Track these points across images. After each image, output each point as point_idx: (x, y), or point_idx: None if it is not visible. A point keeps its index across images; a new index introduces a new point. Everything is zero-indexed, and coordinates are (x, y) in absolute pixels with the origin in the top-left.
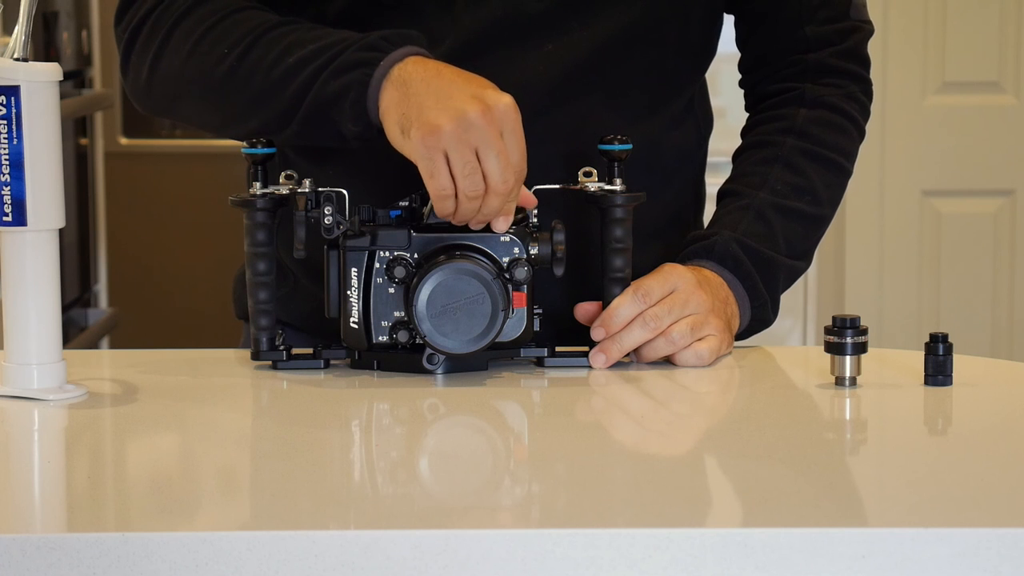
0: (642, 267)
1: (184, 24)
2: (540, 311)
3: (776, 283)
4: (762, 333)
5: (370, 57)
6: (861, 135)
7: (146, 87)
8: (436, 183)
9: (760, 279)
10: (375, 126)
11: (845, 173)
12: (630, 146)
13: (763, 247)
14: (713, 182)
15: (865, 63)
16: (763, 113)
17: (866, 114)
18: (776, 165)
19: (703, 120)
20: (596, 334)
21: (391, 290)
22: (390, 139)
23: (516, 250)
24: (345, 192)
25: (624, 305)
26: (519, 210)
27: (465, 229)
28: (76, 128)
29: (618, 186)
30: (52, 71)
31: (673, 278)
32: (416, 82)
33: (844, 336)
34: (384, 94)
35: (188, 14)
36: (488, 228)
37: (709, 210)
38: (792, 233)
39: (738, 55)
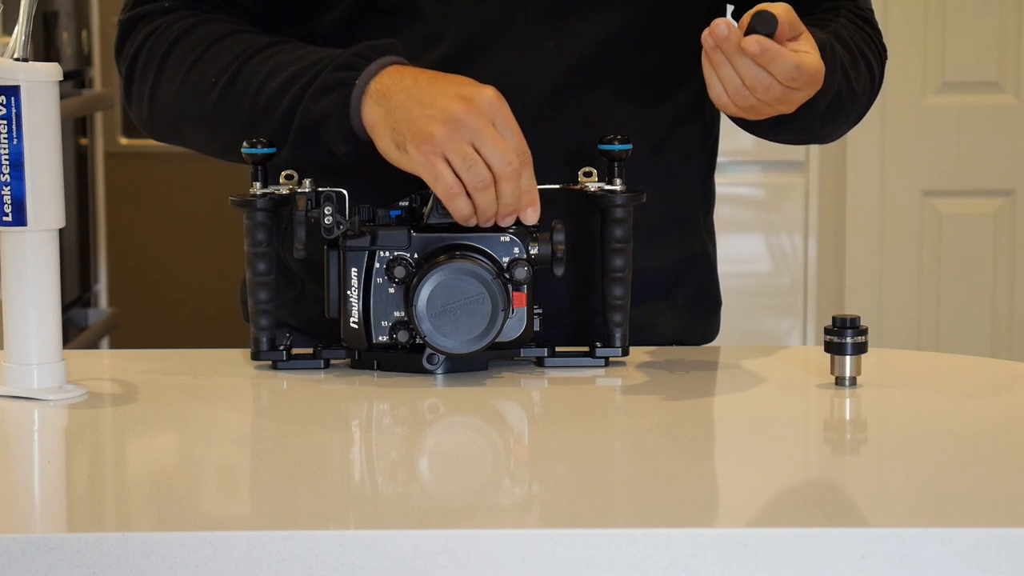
0: (650, 268)
1: (174, 54)
2: (540, 311)
3: (809, 108)
4: (762, 333)
5: (345, 77)
6: (881, 77)
7: (148, 117)
8: (442, 185)
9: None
10: (365, 143)
11: (873, 85)
12: (630, 146)
13: (829, 73)
14: (720, 182)
15: (882, 37)
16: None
17: (882, 72)
18: (830, 36)
19: (710, 117)
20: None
21: (391, 290)
22: (387, 157)
23: (516, 250)
24: (345, 192)
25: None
26: None
27: (466, 229)
28: (76, 128)
29: (618, 186)
30: (52, 71)
31: (819, 76)
32: (396, 93)
33: (844, 336)
34: (366, 111)
35: (177, 43)
36: (518, 222)
37: (718, 212)
38: (839, 91)
39: None
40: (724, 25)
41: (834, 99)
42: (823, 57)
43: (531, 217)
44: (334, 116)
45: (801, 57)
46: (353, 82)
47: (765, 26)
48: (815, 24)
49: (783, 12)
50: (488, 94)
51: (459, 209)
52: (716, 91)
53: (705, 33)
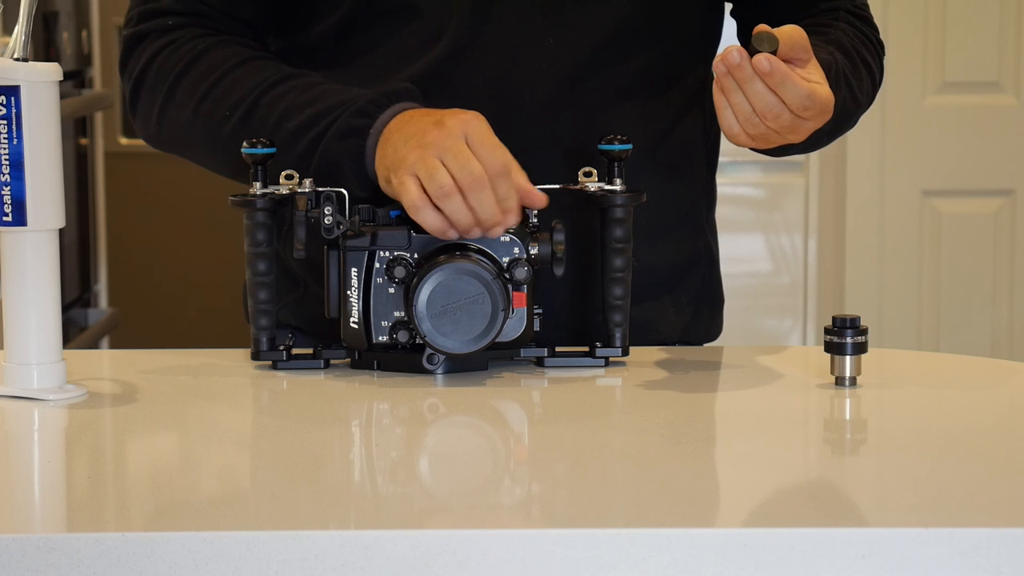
0: (652, 265)
1: (185, 81)
2: (540, 311)
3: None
4: (762, 333)
5: (360, 125)
6: (881, 78)
7: (156, 134)
8: (406, 198)
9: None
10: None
11: (874, 88)
12: (630, 146)
13: (835, 92)
14: (721, 182)
15: (879, 34)
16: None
17: (882, 70)
18: (832, 46)
19: (710, 113)
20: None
21: (391, 290)
22: (385, 192)
23: (516, 250)
24: (345, 192)
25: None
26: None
27: None
28: (76, 128)
29: (618, 186)
30: (52, 71)
31: (830, 106)
32: (393, 135)
33: (844, 336)
34: (376, 157)
35: (188, 70)
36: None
37: (718, 212)
38: (845, 104)
39: None
40: (736, 52)
41: (840, 114)
42: (830, 78)
43: (508, 221)
44: (349, 163)
45: (813, 87)
46: (368, 130)
47: (766, 45)
48: (815, 29)
49: (800, 36)
50: (462, 116)
51: (425, 221)
52: (728, 121)
53: (717, 60)
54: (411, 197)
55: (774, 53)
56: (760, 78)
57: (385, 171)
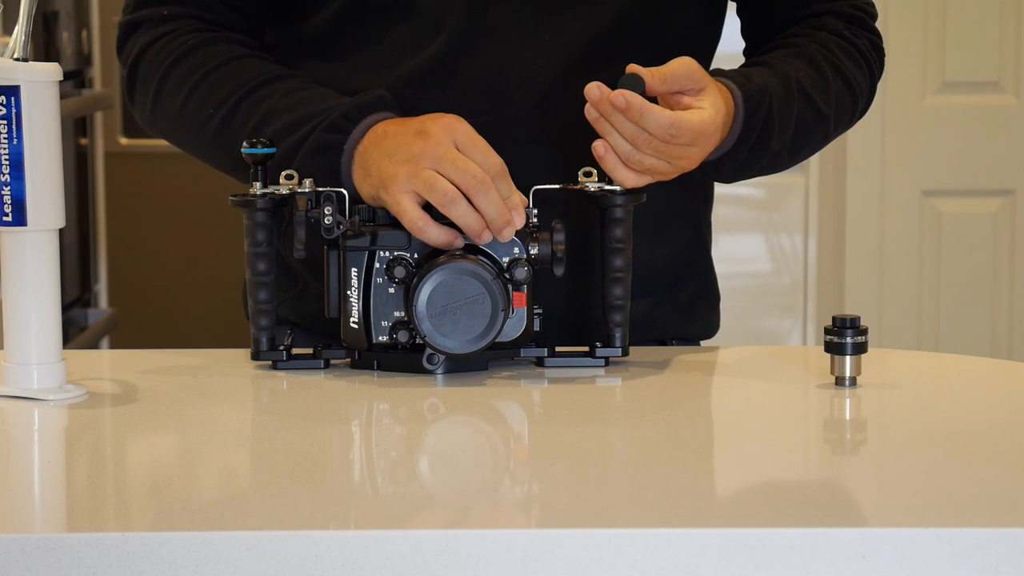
0: (651, 262)
1: (175, 73)
2: (540, 311)
3: (763, 151)
4: (762, 333)
5: (334, 140)
6: (872, 83)
7: (151, 123)
8: (407, 219)
9: (758, 137)
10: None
11: (855, 97)
12: None
13: (783, 111)
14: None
15: (878, 36)
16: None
17: (878, 71)
18: (800, 60)
19: None
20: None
21: (391, 290)
22: (372, 205)
23: (516, 250)
24: (345, 192)
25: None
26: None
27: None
28: (76, 128)
29: (617, 186)
30: (52, 71)
31: (709, 129)
32: (371, 151)
33: (844, 336)
34: (352, 174)
35: (179, 62)
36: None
37: (718, 212)
38: (802, 121)
39: (736, 53)
40: (596, 88)
41: (796, 131)
42: (757, 103)
43: (516, 222)
44: (325, 178)
45: (680, 114)
46: (341, 146)
47: (631, 87)
48: (788, 42)
49: (681, 66)
50: (444, 121)
51: (430, 238)
52: (617, 169)
53: (587, 107)
54: (411, 217)
55: (642, 94)
56: (621, 114)
57: (373, 189)
